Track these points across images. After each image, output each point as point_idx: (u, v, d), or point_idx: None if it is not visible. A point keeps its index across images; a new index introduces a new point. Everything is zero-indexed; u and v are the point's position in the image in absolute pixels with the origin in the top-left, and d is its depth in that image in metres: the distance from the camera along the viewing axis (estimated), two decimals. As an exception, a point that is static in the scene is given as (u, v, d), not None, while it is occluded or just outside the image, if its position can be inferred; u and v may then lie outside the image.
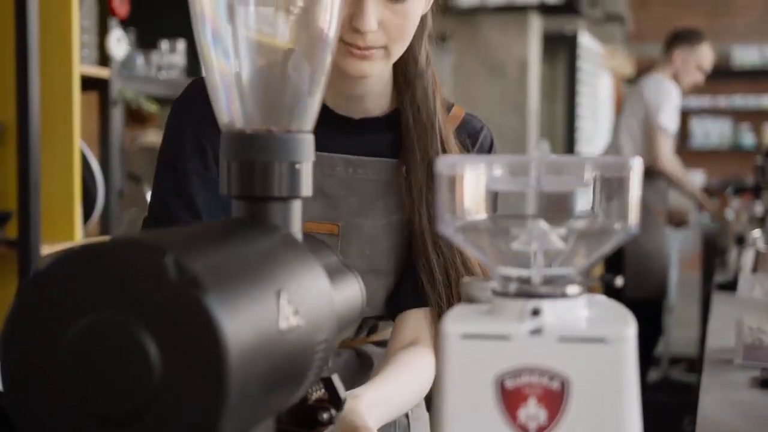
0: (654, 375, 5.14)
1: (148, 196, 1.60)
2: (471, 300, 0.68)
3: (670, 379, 5.13)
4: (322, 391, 0.77)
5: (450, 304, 1.26)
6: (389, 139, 1.31)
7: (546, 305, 0.61)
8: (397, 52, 1.23)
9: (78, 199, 2.85)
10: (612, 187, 0.64)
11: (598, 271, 4.58)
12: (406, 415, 1.34)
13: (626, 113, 4.47)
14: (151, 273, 0.53)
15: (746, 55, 8.73)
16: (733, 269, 3.13)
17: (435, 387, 0.62)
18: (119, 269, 0.54)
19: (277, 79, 0.73)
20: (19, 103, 2.54)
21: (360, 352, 1.36)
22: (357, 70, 1.21)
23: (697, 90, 4.60)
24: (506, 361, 0.60)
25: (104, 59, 3.07)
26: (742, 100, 8.86)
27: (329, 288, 0.70)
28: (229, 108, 0.71)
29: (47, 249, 2.66)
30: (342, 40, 1.17)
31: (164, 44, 3.58)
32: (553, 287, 0.62)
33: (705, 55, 4.44)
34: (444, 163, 0.65)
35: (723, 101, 8.87)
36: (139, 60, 3.40)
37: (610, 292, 3.74)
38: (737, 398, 1.57)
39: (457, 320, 0.62)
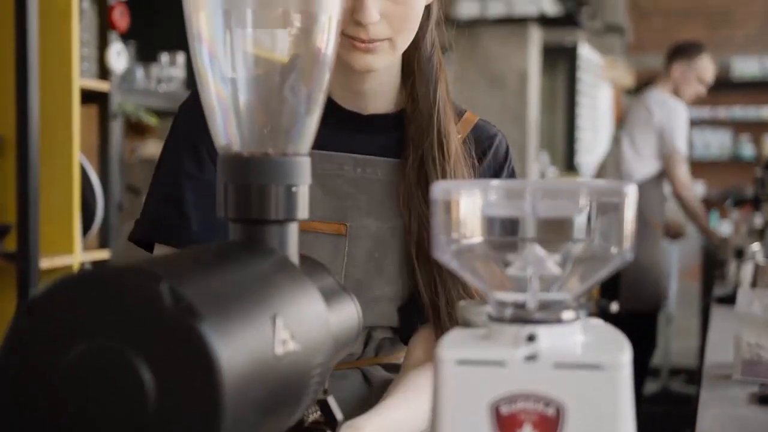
0: (653, 386, 5.14)
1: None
2: (467, 324, 0.68)
3: (669, 391, 5.13)
4: (318, 413, 0.77)
5: (452, 320, 1.22)
6: (398, 137, 1.28)
7: (541, 331, 0.61)
8: (403, 43, 1.20)
9: (77, 212, 2.85)
10: (607, 212, 0.64)
11: (595, 290, 4.59)
12: None
13: (629, 126, 4.47)
14: (146, 301, 0.53)
15: (746, 67, 8.75)
16: (732, 282, 3.12)
17: (431, 413, 0.62)
18: (115, 297, 0.54)
19: (274, 102, 0.72)
20: (18, 116, 2.54)
21: (367, 375, 1.31)
22: (362, 64, 1.18)
23: (697, 101, 4.60)
24: (501, 387, 0.60)
25: (104, 72, 3.08)
26: (741, 112, 8.88)
27: (325, 311, 0.70)
28: (226, 131, 0.71)
29: (46, 262, 2.66)
30: (345, 34, 1.14)
31: (164, 57, 3.58)
32: (549, 312, 0.62)
33: (704, 68, 4.45)
34: (439, 189, 0.65)
35: (723, 112, 8.89)
36: (139, 73, 3.41)
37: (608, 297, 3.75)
38: (735, 414, 1.57)
39: (453, 346, 0.62)
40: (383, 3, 1.15)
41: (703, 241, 5.26)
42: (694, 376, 4.73)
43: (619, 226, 0.63)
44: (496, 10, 5.41)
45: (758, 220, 3.52)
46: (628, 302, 4.10)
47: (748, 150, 8.92)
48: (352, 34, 1.15)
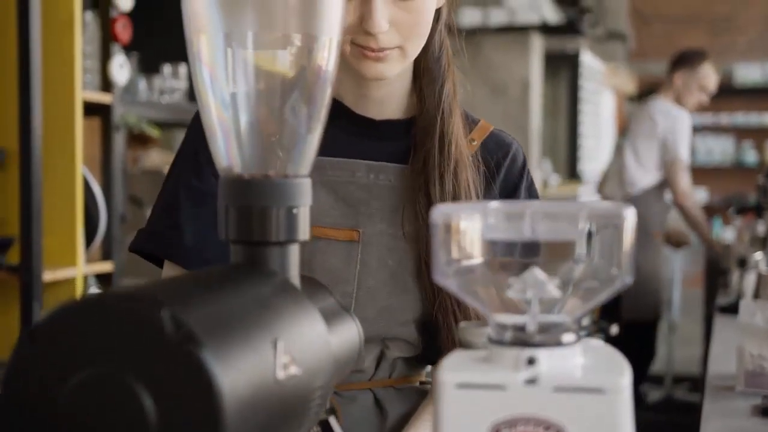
0: (657, 395, 5.13)
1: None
2: (468, 345, 0.68)
3: (673, 399, 5.12)
4: (320, 434, 0.78)
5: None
6: (409, 143, 1.26)
7: (541, 354, 0.61)
8: (414, 50, 1.19)
9: (80, 224, 2.85)
10: (607, 235, 0.64)
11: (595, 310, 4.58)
12: None
13: (632, 135, 4.48)
14: (147, 328, 0.53)
15: (748, 73, 8.76)
16: (735, 291, 3.12)
17: (432, 435, 0.62)
18: (116, 323, 0.54)
19: (275, 124, 0.73)
20: (21, 129, 2.54)
21: (378, 398, 1.27)
22: (373, 73, 1.17)
23: (699, 108, 4.61)
24: (502, 410, 0.60)
25: (107, 85, 3.09)
26: (744, 118, 8.88)
27: (326, 333, 0.70)
28: (227, 153, 0.71)
29: (49, 275, 2.67)
30: (354, 43, 1.14)
31: (166, 69, 3.58)
32: (549, 335, 0.63)
33: (707, 76, 4.45)
34: (438, 212, 0.65)
35: (725, 119, 8.89)
36: (142, 85, 3.41)
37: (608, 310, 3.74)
38: (738, 426, 1.57)
39: (453, 369, 0.62)
40: (392, 11, 1.14)
41: (706, 248, 5.26)
42: (697, 384, 4.73)
43: (618, 248, 0.63)
44: (497, 18, 5.43)
45: (761, 228, 3.51)
46: (627, 312, 4.10)
47: (750, 156, 8.92)
48: (363, 43, 1.14)
